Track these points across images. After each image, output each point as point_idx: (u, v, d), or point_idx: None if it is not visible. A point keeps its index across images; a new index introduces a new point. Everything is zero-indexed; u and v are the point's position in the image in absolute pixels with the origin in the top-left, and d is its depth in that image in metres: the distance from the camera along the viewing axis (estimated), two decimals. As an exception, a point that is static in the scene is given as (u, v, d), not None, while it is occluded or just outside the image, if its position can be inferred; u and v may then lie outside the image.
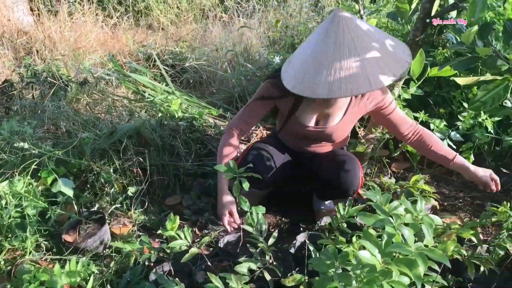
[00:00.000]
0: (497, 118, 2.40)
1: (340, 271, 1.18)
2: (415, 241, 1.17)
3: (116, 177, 2.39)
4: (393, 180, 2.14)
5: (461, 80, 1.82)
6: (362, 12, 2.28)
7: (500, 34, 1.76)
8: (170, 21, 5.53)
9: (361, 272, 1.12)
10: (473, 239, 1.67)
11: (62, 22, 4.83)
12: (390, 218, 1.18)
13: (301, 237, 2.05)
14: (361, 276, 1.15)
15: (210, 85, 3.98)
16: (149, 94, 3.23)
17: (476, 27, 1.70)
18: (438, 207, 2.32)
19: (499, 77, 1.73)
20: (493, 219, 1.84)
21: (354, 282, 1.15)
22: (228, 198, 2.00)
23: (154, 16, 5.62)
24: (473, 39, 1.73)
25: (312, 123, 2.10)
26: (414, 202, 1.37)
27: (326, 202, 2.41)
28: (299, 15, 4.76)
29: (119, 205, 2.33)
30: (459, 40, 2.08)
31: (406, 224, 1.16)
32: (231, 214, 1.97)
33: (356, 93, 1.58)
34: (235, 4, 5.31)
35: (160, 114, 3.00)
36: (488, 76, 1.75)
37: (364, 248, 1.10)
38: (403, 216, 1.18)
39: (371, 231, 1.58)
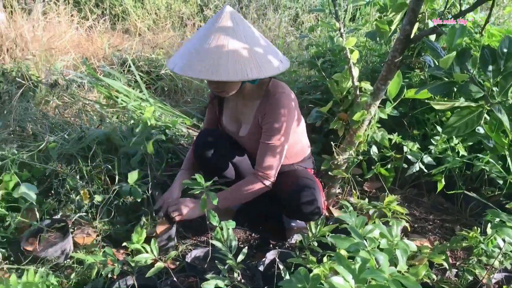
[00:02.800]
0: (469, 143, 2.42)
1: (311, 295, 1.15)
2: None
3: (82, 184, 2.31)
4: (365, 200, 2.12)
5: (437, 105, 1.82)
6: (342, 30, 2.27)
7: (477, 61, 1.78)
8: (148, 27, 5.46)
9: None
10: (445, 263, 1.66)
11: (35, 21, 4.70)
12: (364, 242, 1.15)
13: (270, 255, 2.01)
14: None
15: (185, 93, 3.92)
16: (122, 100, 3.15)
17: (454, 53, 1.71)
18: (409, 229, 2.32)
19: (473, 104, 1.74)
20: (464, 244, 1.84)
21: (325, 306, 1.12)
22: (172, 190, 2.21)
23: (131, 21, 5.54)
24: (450, 64, 1.74)
25: (233, 128, 2.23)
26: (385, 223, 1.36)
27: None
28: (278, 29, 4.77)
29: (84, 213, 2.24)
30: (436, 63, 2.09)
31: (381, 249, 1.14)
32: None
33: (197, 76, 1.79)
34: (214, 13, 5.28)
35: (132, 121, 2.93)
36: (463, 102, 1.76)
37: (337, 273, 1.07)
38: (377, 240, 1.16)
39: (343, 252, 1.55)
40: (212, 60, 1.77)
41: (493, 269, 1.81)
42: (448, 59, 1.70)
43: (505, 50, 1.67)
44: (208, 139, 2.22)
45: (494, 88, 1.74)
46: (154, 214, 2.17)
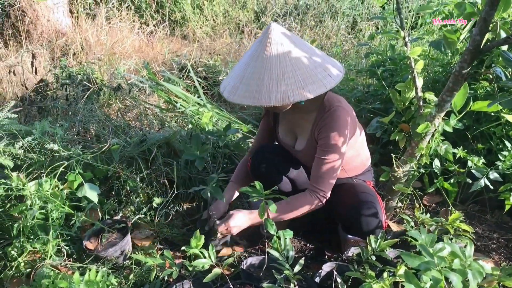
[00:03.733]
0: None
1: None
2: None
3: (142, 186, 2.36)
4: (427, 215, 2.05)
5: (510, 117, 1.74)
6: (406, 38, 2.22)
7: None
8: (206, 33, 5.55)
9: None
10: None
11: (99, 26, 4.89)
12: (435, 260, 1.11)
13: (327, 267, 1.98)
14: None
15: (242, 99, 3.95)
16: (180, 105, 3.21)
17: (531, 65, 1.63)
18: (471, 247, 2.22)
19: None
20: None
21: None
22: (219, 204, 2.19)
23: (190, 27, 5.65)
24: (526, 76, 1.66)
25: (288, 141, 2.20)
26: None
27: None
28: (336, 36, 4.73)
29: (143, 215, 2.29)
30: (508, 75, 2.00)
31: (453, 269, 1.09)
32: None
33: (241, 102, 1.80)
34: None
35: (190, 126, 2.98)
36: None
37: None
38: (448, 259, 1.11)
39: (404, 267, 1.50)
40: (256, 86, 1.77)
41: None
42: (525, 72, 1.62)
43: None
44: (264, 154, 2.21)
45: None
46: (198, 228, 2.17)
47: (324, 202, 2.01)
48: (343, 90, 3.47)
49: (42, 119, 2.48)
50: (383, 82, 3.02)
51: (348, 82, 3.64)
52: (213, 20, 5.80)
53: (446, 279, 1.11)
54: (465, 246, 1.24)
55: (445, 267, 1.12)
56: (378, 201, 2.10)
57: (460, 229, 2.07)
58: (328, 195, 2.01)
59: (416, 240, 1.19)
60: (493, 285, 1.43)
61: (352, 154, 2.12)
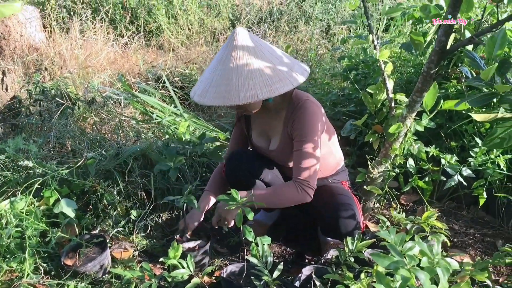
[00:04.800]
0: (509, 156, 2.35)
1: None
2: (429, 285, 1.12)
3: (119, 200, 2.35)
4: (403, 214, 2.08)
5: (479, 117, 1.77)
6: (375, 42, 2.26)
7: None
8: (181, 42, 5.56)
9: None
10: (487, 281, 1.61)
11: (73, 39, 4.85)
12: (404, 260, 1.13)
13: (306, 270, 1.99)
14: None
15: (219, 108, 3.96)
16: (157, 115, 3.20)
17: (495, 64, 1.67)
18: (448, 244, 2.26)
19: (516, 115, 1.69)
20: (507, 260, 1.78)
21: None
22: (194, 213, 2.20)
23: (165, 37, 5.64)
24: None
25: (262, 144, 2.23)
26: (424, 238, 1.33)
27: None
28: (310, 41, 4.77)
29: (121, 228, 2.28)
30: (474, 74, 2.05)
31: (421, 268, 1.11)
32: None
33: (211, 103, 1.83)
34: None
35: (167, 136, 2.97)
36: (506, 114, 1.71)
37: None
38: (417, 257, 1.13)
39: (380, 269, 1.52)
40: (225, 87, 1.81)
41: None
42: (490, 71, 1.66)
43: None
44: (238, 160, 2.23)
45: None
46: (175, 237, 2.17)
47: (309, 195, 1.97)
48: (318, 94, 3.50)
49: (15, 136, 2.45)
50: (356, 85, 3.06)
51: (323, 86, 3.68)
52: (188, 29, 5.81)
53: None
54: (438, 243, 1.27)
55: (416, 265, 1.15)
56: (355, 202, 2.13)
57: (436, 227, 2.11)
58: (314, 185, 1.98)
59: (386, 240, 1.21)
60: (466, 280, 1.46)
61: (326, 151, 2.15)
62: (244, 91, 1.78)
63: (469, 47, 2.13)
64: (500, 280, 2.07)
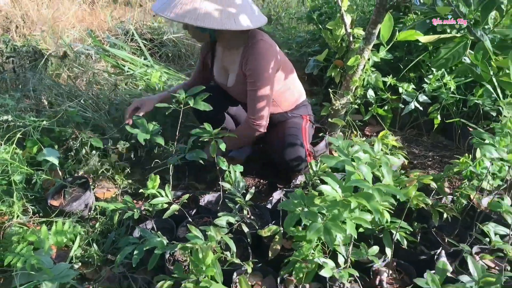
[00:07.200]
0: (461, 80, 2.52)
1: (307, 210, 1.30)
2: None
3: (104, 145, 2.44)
4: (363, 138, 2.26)
5: (423, 39, 1.92)
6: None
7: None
8: (148, -4, 5.55)
9: (326, 209, 1.24)
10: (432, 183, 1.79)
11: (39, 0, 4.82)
12: (351, 162, 1.29)
13: (277, 194, 2.17)
14: (325, 213, 1.27)
15: (189, 58, 4.05)
16: (128, 68, 3.28)
17: (435, -12, 1.80)
18: (406, 164, 2.45)
19: (458, 35, 1.84)
20: (455, 169, 1.97)
21: (319, 219, 1.27)
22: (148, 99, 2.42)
23: (132, -8, 5.62)
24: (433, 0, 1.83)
25: (222, 80, 2.40)
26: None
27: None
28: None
29: (104, 170, 2.40)
30: (422, 1, 2.18)
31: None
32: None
33: (177, 19, 1.95)
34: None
35: (141, 87, 3.07)
36: (447, 34, 1.86)
37: (326, 184, 1.22)
38: (363, 159, 1.29)
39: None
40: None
41: (484, 190, 1.94)
42: (430, -5, 1.79)
43: (483, -18, 1.76)
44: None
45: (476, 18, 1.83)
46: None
47: (262, 130, 2.22)
48: (285, 38, 3.61)
49: (-9, 93, 2.53)
50: (320, 26, 3.18)
51: (290, 30, 3.78)
52: (155, -17, 5.77)
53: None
54: (378, 143, 1.43)
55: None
56: (302, 139, 2.34)
57: (396, 148, 2.29)
58: (265, 123, 2.22)
59: (334, 145, 1.37)
60: (414, 183, 1.63)
61: (282, 87, 2.31)
62: (178, 11, 1.95)
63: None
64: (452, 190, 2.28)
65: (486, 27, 1.83)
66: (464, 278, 1.41)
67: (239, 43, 2.20)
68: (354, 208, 1.16)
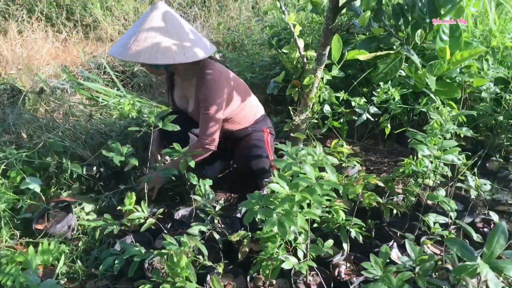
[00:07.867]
0: (405, 91, 2.78)
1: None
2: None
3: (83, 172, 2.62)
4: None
5: (362, 57, 2.17)
6: (283, 8, 2.62)
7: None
8: (118, 31, 5.78)
9: (279, 206, 1.45)
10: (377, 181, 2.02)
11: (12, 40, 5.00)
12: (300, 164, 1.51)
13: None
14: (280, 210, 1.48)
15: (160, 86, 4.27)
16: (102, 99, 3.48)
17: (369, 12, 2.06)
18: (361, 169, 2.68)
19: (392, 52, 2.10)
20: (401, 170, 2.20)
21: (274, 215, 1.47)
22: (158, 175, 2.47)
23: (103, 28, 5.84)
24: (368, 22, 2.09)
25: (183, 105, 2.68)
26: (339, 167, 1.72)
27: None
28: (239, 17, 5.11)
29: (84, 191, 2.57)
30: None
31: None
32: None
33: (132, 59, 2.18)
34: (178, 11, 5.60)
35: (115, 116, 3.27)
36: (383, 52, 2.11)
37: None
38: (307, 160, 1.51)
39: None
40: (123, 42, 2.22)
41: (428, 186, 2.17)
42: (365, 18, 2.05)
43: (409, 4, 2.03)
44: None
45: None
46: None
47: (213, 148, 2.47)
48: (249, 62, 3.87)
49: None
50: (280, 50, 3.44)
51: (253, 55, 4.04)
52: (124, 18, 6.02)
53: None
54: (319, 146, 1.65)
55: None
56: (266, 151, 2.61)
57: (349, 155, 2.52)
58: (214, 142, 2.46)
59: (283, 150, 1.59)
60: (360, 183, 1.86)
61: (238, 107, 2.59)
62: (133, 52, 2.16)
63: (357, 3, 2.52)
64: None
65: (416, 42, 2.09)
66: (403, 259, 1.63)
67: (193, 73, 2.45)
68: (299, 201, 1.37)
